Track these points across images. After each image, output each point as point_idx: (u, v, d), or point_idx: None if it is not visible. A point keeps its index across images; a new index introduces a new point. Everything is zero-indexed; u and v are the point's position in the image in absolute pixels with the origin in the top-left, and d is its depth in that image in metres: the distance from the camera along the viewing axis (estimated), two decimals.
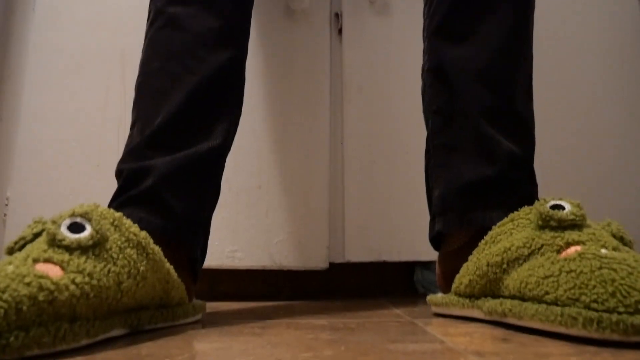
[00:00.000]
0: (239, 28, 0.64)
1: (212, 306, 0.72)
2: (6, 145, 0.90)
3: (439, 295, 0.57)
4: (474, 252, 0.49)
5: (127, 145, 0.55)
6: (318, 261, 0.83)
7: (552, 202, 0.44)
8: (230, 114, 0.59)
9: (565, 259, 0.38)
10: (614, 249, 0.39)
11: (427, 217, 0.60)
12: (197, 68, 0.57)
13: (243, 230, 0.84)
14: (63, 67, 0.90)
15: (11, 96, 0.92)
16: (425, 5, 0.62)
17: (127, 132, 0.59)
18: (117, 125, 0.87)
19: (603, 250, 0.38)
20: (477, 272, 0.47)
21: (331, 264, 0.84)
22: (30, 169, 0.87)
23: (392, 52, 0.90)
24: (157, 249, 0.42)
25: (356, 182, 0.86)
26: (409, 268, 0.92)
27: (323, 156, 0.86)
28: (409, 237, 0.84)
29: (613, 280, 0.34)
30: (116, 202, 0.49)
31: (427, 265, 0.89)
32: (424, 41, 0.62)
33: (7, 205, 0.88)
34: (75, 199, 0.86)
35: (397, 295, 0.89)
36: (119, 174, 0.52)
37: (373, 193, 0.86)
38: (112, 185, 0.54)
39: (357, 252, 0.84)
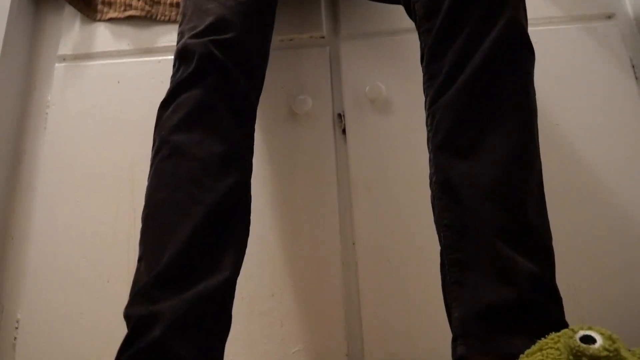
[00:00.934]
0: (244, 149, 0.64)
1: None
2: (16, 265, 0.90)
3: None
4: None
5: (134, 283, 0.54)
6: None
7: (582, 333, 0.42)
8: (237, 241, 0.58)
9: None
10: None
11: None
12: (203, 197, 0.56)
13: (257, 342, 0.81)
14: (73, 184, 0.92)
15: (23, 215, 0.93)
16: (427, 116, 0.61)
17: (137, 247, 0.58)
18: (127, 240, 0.87)
19: None
20: None
21: None
22: (41, 289, 0.86)
23: (397, 149, 0.90)
24: None
25: (371, 284, 0.83)
26: None
27: (335, 258, 0.85)
28: (431, 340, 0.80)
29: None
30: (125, 356, 0.48)
31: None
32: (429, 152, 0.61)
33: (17, 328, 0.86)
34: (86, 317, 0.84)
35: None
36: (127, 319, 0.51)
37: (390, 294, 0.82)
38: (122, 301, 0.53)
39: (378, 359, 0.80)
